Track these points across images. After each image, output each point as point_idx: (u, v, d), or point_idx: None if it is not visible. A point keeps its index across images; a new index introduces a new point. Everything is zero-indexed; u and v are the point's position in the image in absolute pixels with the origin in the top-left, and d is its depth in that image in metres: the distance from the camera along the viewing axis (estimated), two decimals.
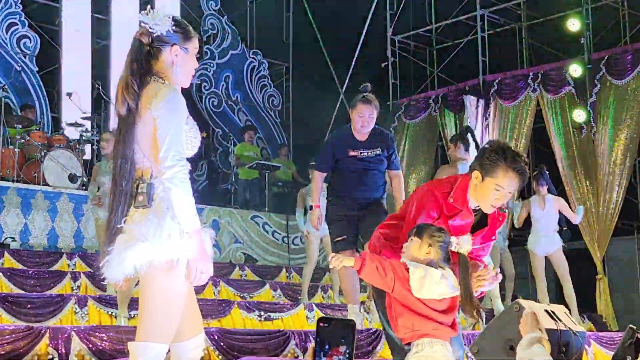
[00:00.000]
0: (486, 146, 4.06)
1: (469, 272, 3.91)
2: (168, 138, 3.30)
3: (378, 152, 6.59)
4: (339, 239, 6.55)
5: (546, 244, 9.55)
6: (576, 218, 9.68)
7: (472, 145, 8.37)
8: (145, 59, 3.44)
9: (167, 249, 3.27)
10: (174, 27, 3.47)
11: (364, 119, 6.50)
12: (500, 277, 4.16)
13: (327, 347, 2.11)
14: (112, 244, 3.37)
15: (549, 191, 9.64)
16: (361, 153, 6.56)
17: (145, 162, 3.40)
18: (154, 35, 3.45)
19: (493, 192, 3.93)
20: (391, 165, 6.72)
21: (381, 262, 3.79)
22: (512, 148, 4.11)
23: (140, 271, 3.31)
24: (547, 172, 9.83)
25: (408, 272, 3.78)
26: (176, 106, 3.37)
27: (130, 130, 3.38)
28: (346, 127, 6.79)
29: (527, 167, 3.99)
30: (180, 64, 3.49)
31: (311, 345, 2.15)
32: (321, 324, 2.15)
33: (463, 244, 3.97)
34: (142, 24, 3.46)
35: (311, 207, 7.25)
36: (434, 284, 3.78)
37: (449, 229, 4.02)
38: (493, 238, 4.25)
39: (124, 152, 3.39)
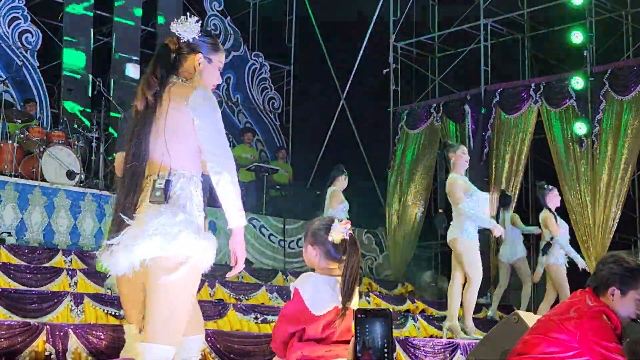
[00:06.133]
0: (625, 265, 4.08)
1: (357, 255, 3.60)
2: (216, 135, 3.44)
3: None
4: None
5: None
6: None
7: None
8: (170, 63, 3.56)
9: (178, 245, 3.29)
10: (201, 36, 3.60)
11: None
12: None
13: (366, 338, 2.22)
14: (118, 234, 3.38)
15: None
16: None
17: (165, 157, 3.43)
18: (181, 41, 3.58)
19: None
20: None
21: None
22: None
23: (148, 265, 3.31)
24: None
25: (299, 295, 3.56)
26: (215, 106, 3.49)
27: (147, 124, 3.46)
28: None
29: None
30: (202, 73, 3.60)
31: (352, 340, 2.24)
32: (359, 316, 2.26)
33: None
34: (173, 31, 3.60)
35: None
36: (324, 294, 3.57)
37: None
38: None
39: (138, 144, 3.46)
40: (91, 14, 13.99)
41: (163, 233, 3.28)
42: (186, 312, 3.39)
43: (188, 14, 3.66)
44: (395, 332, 9.27)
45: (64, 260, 9.29)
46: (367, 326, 2.29)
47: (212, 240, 3.43)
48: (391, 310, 2.31)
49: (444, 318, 9.09)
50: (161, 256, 3.28)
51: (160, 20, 14.87)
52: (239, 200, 3.43)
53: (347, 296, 3.51)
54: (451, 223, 8.52)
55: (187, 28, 3.56)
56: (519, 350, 4.22)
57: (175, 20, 3.59)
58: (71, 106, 13.27)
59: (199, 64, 3.58)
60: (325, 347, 3.49)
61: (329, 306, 3.51)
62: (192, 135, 3.43)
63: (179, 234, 3.29)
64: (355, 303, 3.58)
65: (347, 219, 5.17)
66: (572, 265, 9.73)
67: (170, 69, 3.55)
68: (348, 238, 3.63)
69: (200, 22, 3.63)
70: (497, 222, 10.04)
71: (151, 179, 3.42)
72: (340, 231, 3.64)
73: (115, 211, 3.47)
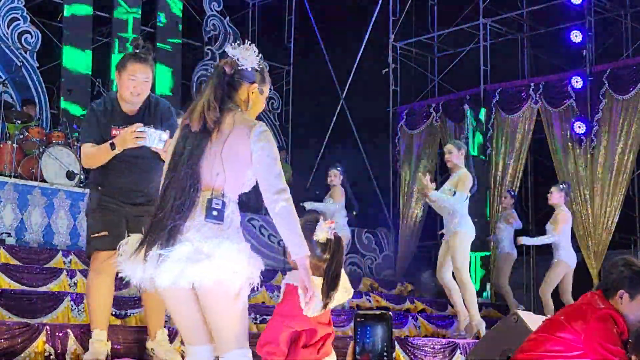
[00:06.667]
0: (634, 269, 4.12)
1: (341, 254, 3.65)
2: (275, 168, 3.46)
3: None
4: None
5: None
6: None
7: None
8: (228, 89, 3.57)
9: (243, 272, 3.37)
10: (257, 67, 3.62)
11: (137, 82, 5.02)
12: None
13: (366, 341, 2.21)
14: (164, 248, 3.38)
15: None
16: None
17: (219, 180, 3.47)
18: (239, 68, 3.59)
19: None
20: None
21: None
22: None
23: (199, 287, 3.36)
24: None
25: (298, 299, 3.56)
26: (273, 140, 3.54)
27: (201, 145, 3.48)
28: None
29: None
30: (254, 103, 3.65)
31: (351, 343, 2.23)
32: (358, 319, 2.25)
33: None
34: (230, 55, 3.61)
35: None
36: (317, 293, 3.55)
37: None
38: None
39: (190, 163, 3.47)
40: (91, 14, 14.00)
41: (230, 259, 3.34)
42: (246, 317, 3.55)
43: (248, 41, 3.65)
44: (395, 332, 9.27)
45: (64, 261, 9.27)
46: (367, 329, 2.28)
47: (259, 260, 3.47)
48: (390, 313, 2.30)
49: (444, 317, 9.08)
50: (224, 280, 3.34)
51: (160, 19, 14.88)
52: (299, 229, 3.44)
53: (328, 294, 3.52)
54: (463, 219, 8.42)
55: (247, 57, 3.58)
56: (525, 347, 4.24)
57: (233, 45, 3.61)
58: (72, 108, 13.27)
59: (252, 93, 3.62)
60: (310, 350, 3.53)
61: (320, 309, 3.51)
62: (245, 165, 3.47)
63: (244, 262, 3.37)
64: (337, 300, 3.60)
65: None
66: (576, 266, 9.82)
67: (228, 95, 3.57)
68: (332, 237, 3.64)
69: (260, 53, 3.63)
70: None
71: (204, 197, 3.44)
72: (325, 230, 3.65)
73: (157, 226, 3.43)
